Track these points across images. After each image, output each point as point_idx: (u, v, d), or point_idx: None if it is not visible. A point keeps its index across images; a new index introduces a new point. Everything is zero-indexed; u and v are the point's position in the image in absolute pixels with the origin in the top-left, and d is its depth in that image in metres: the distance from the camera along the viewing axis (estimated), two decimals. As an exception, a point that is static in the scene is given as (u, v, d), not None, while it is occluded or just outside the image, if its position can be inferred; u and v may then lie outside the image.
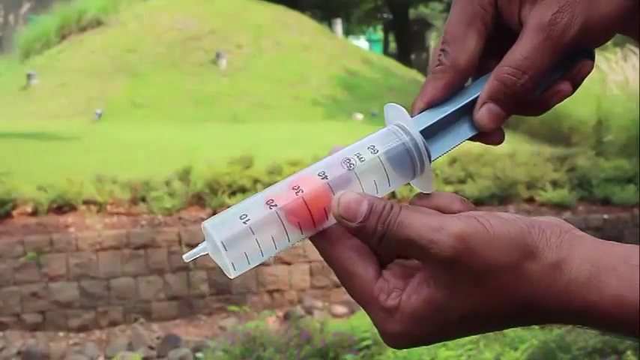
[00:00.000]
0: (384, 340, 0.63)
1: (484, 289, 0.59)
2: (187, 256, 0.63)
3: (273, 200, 0.61)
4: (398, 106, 0.64)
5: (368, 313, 0.62)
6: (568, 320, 0.60)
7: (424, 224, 0.58)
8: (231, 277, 0.62)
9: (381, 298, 0.61)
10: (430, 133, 0.64)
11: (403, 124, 0.64)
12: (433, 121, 0.65)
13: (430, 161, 0.64)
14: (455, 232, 0.57)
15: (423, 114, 0.65)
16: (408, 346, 0.62)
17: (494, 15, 0.67)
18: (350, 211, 0.60)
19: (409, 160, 0.63)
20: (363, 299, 0.62)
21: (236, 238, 0.60)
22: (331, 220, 0.62)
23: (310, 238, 0.63)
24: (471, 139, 0.67)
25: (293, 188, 0.61)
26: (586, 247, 0.59)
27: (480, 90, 0.66)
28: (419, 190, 0.66)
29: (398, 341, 0.62)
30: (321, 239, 0.63)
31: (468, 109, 0.66)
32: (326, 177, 0.61)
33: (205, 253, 0.62)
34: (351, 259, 0.62)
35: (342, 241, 0.62)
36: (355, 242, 0.62)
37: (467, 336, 0.64)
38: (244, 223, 0.60)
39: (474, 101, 0.66)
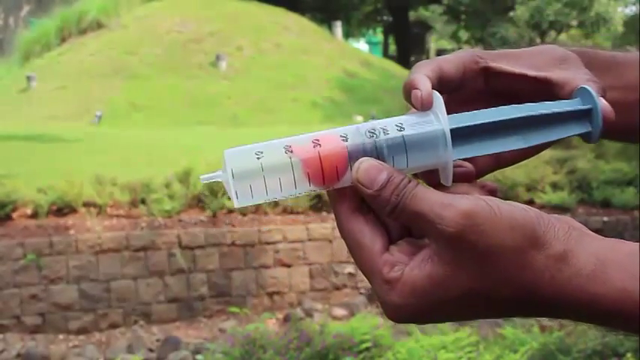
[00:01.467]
0: (384, 312, 0.64)
1: (486, 269, 0.59)
2: (204, 178, 0.66)
3: (290, 147, 0.63)
4: (439, 95, 0.66)
5: (371, 284, 0.64)
6: (569, 313, 0.60)
7: (436, 200, 0.60)
8: (235, 207, 0.64)
9: (385, 270, 0.62)
10: (460, 133, 0.66)
11: (438, 114, 0.65)
12: (467, 124, 0.66)
13: (452, 158, 0.65)
14: (462, 209, 0.59)
15: (460, 114, 0.67)
16: (406, 319, 0.63)
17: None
18: (368, 178, 0.62)
19: (432, 151, 0.65)
20: (368, 270, 0.64)
21: (245, 171, 0.63)
22: (342, 182, 0.64)
23: (332, 206, 0.66)
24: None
25: (313, 141, 0.63)
26: (593, 242, 0.60)
27: (517, 113, 0.68)
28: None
29: (397, 314, 0.63)
30: (340, 209, 0.65)
31: (503, 127, 0.67)
32: (347, 140, 0.64)
33: (220, 180, 0.64)
34: (362, 231, 0.64)
35: (358, 215, 0.64)
36: (370, 217, 0.64)
37: (466, 319, 0.65)
38: (257, 159, 0.63)
39: (509, 122, 0.67)
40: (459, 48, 24.15)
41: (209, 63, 16.38)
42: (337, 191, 0.65)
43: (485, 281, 0.60)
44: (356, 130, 0.64)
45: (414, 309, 0.62)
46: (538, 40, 24.15)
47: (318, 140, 0.63)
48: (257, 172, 0.62)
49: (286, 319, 7.36)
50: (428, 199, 0.60)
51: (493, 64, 0.74)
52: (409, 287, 0.61)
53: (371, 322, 5.89)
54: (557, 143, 0.73)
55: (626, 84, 0.83)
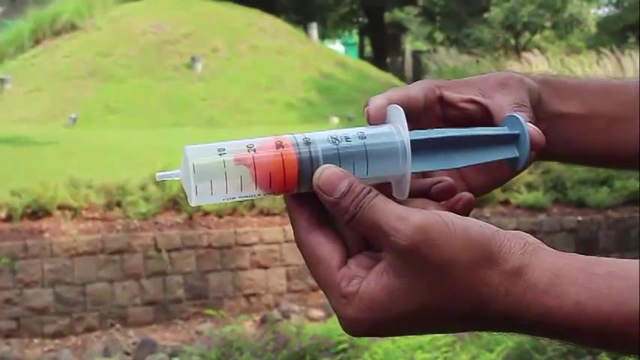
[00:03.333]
0: (342, 326, 0.64)
1: (439, 284, 0.59)
2: (159, 176, 0.65)
3: (253, 146, 0.62)
4: (401, 109, 0.66)
5: (328, 298, 0.64)
6: (524, 327, 0.60)
7: (392, 212, 0.60)
8: (192, 204, 0.63)
9: (342, 284, 0.62)
10: (417, 147, 0.66)
11: (399, 127, 0.65)
12: (424, 137, 0.67)
13: (411, 170, 0.65)
14: (416, 223, 0.59)
15: (418, 130, 0.67)
16: (363, 333, 0.63)
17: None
18: (329, 184, 0.62)
19: (392, 161, 0.65)
20: (325, 284, 0.63)
21: (207, 167, 0.61)
22: (302, 187, 0.63)
23: (290, 218, 0.65)
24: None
25: (275, 143, 0.63)
26: (548, 257, 0.60)
27: (476, 132, 0.69)
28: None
29: (355, 327, 0.63)
30: (298, 222, 0.65)
31: (459, 143, 0.68)
32: (309, 144, 0.63)
33: (177, 178, 0.64)
34: (320, 245, 0.63)
35: (316, 228, 0.64)
36: (328, 231, 0.64)
37: (422, 333, 0.65)
38: (220, 155, 0.62)
39: (465, 138, 0.68)
40: (435, 50, 24.24)
41: (184, 64, 16.32)
42: (296, 203, 0.65)
43: (438, 296, 0.60)
44: (318, 135, 0.64)
45: (371, 323, 0.62)
46: (513, 41, 24.30)
47: (280, 142, 0.63)
48: (219, 170, 0.61)
49: (263, 320, 7.35)
50: (384, 210, 0.60)
51: (446, 93, 0.76)
52: (366, 301, 0.61)
53: (348, 323, 5.89)
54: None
55: (591, 111, 0.84)
